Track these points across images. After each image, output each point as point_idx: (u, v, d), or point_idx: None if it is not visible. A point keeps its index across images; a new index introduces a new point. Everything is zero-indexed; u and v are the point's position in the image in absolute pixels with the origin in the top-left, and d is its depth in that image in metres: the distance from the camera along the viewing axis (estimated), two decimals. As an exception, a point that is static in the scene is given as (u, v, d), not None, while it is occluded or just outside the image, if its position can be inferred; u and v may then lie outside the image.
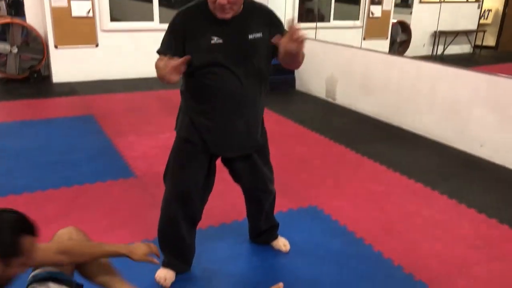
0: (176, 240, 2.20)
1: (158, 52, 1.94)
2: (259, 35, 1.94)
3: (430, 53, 8.11)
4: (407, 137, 4.61)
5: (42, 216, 2.79)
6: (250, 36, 1.93)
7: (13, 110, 5.09)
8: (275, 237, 2.57)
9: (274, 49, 1.91)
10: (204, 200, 2.20)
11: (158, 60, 1.90)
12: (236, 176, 2.26)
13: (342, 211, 2.99)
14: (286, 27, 1.83)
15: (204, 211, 2.24)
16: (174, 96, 5.96)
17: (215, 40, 1.88)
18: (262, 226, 2.49)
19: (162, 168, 3.45)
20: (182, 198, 2.11)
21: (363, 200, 3.18)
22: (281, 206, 2.98)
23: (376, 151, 4.11)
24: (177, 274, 2.25)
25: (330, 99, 5.93)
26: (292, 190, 3.26)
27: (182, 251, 2.25)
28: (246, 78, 1.95)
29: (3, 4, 9.93)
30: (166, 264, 2.24)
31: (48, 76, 6.47)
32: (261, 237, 2.55)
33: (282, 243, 2.55)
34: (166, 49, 1.91)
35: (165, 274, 2.21)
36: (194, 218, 2.20)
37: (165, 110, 5.22)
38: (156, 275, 2.21)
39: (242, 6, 1.92)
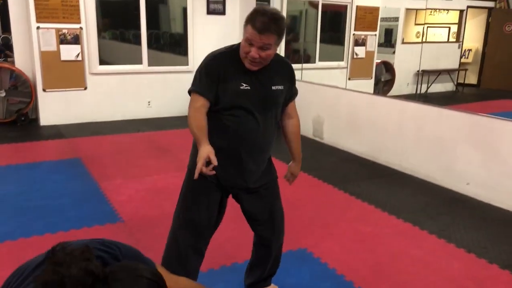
0: (182, 274, 2.14)
1: (193, 91, 2.04)
2: (280, 87, 2.11)
3: (414, 91, 8.30)
4: (394, 176, 4.64)
5: (25, 265, 2.72)
6: (274, 87, 2.08)
7: (-1, 154, 5.04)
8: (268, 284, 2.53)
9: (286, 101, 2.18)
10: (211, 235, 2.24)
11: (194, 103, 2.02)
12: (248, 209, 2.28)
13: (331, 253, 2.96)
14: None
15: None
16: (161, 139, 5.99)
17: (243, 86, 2.01)
18: (265, 273, 2.45)
19: (148, 211, 3.42)
20: (196, 231, 2.17)
21: (352, 241, 3.16)
22: (270, 249, 2.96)
23: (364, 191, 4.12)
24: None
25: (317, 139, 5.98)
26: (280, 233, 3.23)
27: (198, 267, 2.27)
28: (265, 124, 2.08)
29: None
30: None
31: (36, 119, 6.46)
32: (258, 284, 2.50)
33: None
34: (204, 90, 2.02)
35: None
36: (202, 251, 2.24)
37: (152, 153, 5.22)
38: None
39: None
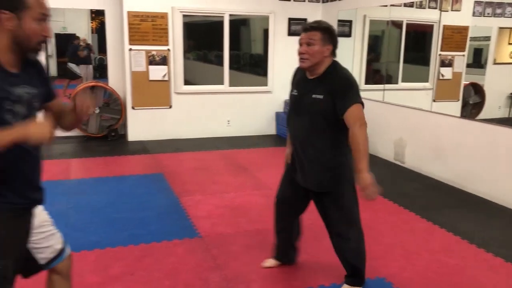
0: (281, 234, 2.89)
1: None
2: (320, 97, 2.40)
3: (507, 115, 7.73)
4: (483, 205, 4.32)
5: (109, 274, 2.88)
6: (314, 96, 2.42)
7: (91, 167, 5.42)
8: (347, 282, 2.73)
9: (336, 112, 2.36)
10: (297, 212, 2.80)
11: None
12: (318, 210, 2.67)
13: (412, 285, 2.81)
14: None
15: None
16: (239, 157, 6.09)
17: (294, 92, 2.57)
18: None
19: (225, 228, 3.50)
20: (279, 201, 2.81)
21: (435, 273, 2.97)
22: (347, 276, 2.86)
23: (449, 220, 3.87)
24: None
25: (398, 162, 5.76)
26: (358, 259, 3.12)
27: (280, 243, 2.92)
28: (306, 126, 2.46)
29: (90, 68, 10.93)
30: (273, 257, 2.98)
31: (124, 135, 6.88)
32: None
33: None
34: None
35: (270, 261, 2.96)
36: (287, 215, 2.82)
37: (230, 170, 5.32)
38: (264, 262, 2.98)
39: (324, 69, 2.43)
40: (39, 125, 1.50)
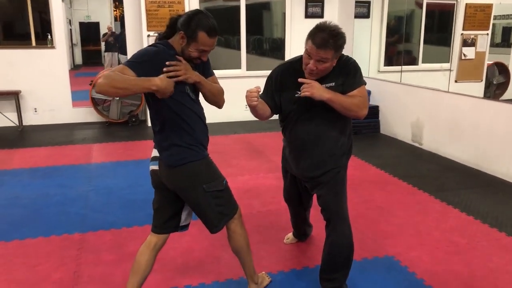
0: (293, 220, 3.06)
1: (260, 96, 2.35)
2: (332, 84, 2.23)
3: (533, 95, 7.51)
4: (500, 186, 4.26)
5: (124, 252, 2.99)
6: (324, 85, 2.21)
7: (111, 151, 5.57)
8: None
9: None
10: (303, 204, 2.88)
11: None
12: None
13: (420, 263, 2.82)
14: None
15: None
16: (256, 140, 6.13)
17: (298, 94, 2.22)
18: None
19: (236, 210, 3.48)
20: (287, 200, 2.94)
21: (444, 252, 2.98)
22: (355, 255, 2.90)
23: (464, 200, 3.85)
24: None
25: (416, 144, 5.71)
26: (368, 239, 3.16)
27: (296, 227, 3.09)
28: (320, 122, 2.27)
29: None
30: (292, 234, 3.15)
31: (145, 120, 7.01)
32: None
33: None
34: (263, 95, 2.41)
35: (290, 236, 3.14)
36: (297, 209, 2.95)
37: (246, 154, 5.38)
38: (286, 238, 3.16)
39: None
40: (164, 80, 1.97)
